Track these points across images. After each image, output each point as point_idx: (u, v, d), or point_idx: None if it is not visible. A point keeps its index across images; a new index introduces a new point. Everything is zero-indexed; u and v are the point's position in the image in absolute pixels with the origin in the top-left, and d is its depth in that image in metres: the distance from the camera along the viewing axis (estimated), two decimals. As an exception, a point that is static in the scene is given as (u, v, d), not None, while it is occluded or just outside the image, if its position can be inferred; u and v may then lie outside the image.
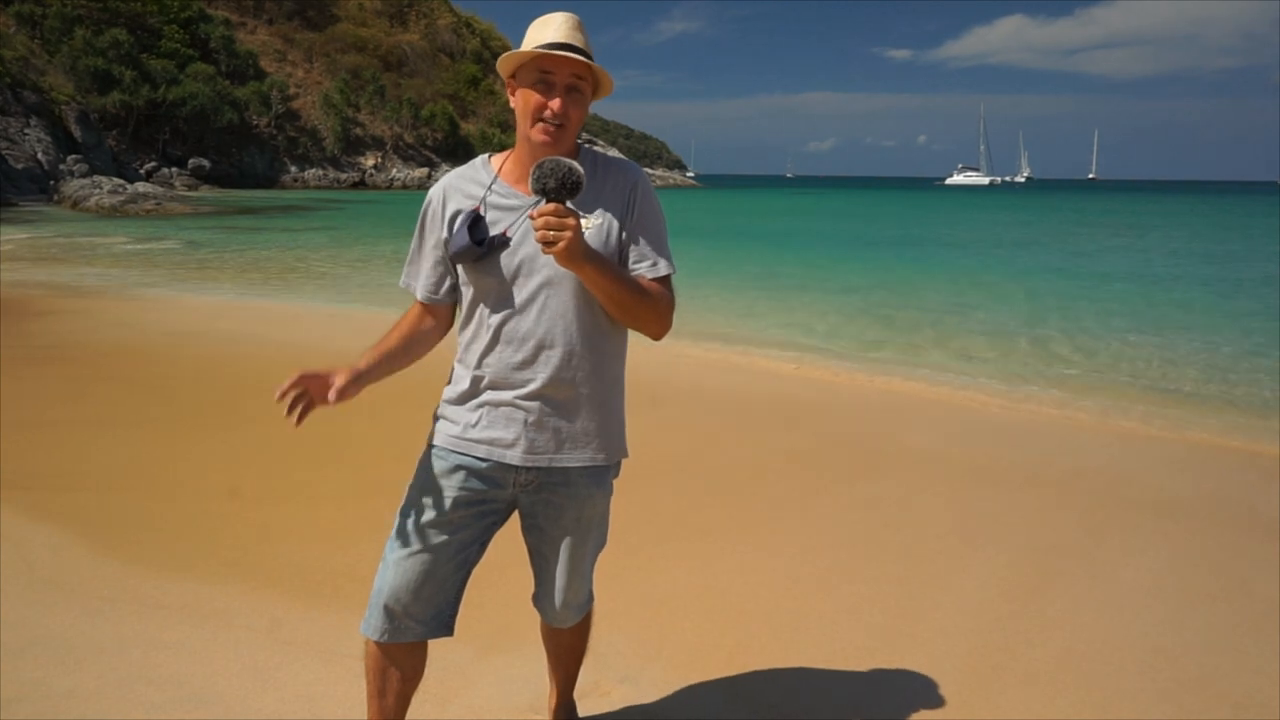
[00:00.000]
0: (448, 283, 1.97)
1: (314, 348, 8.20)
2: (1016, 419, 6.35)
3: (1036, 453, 5.45)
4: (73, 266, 15.06)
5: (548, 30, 1.82)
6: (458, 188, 1.94)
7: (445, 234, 1.92)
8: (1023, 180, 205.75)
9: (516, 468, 1.91)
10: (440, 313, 2.02)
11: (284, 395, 1.76)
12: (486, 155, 2.00)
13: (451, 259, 1.90)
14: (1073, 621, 3.21)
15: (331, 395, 1.80)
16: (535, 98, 1.81)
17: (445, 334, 2.06)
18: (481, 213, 1.87)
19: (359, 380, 1.87)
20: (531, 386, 1.88)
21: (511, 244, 1.85)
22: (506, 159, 1.94)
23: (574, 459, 1.93)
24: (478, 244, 1.82)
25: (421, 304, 2.01)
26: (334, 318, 10.26)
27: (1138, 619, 3.24)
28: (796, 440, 5.63)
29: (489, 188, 1.90)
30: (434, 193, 1.96)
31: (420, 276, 1.99)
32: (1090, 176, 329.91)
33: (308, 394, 1.79)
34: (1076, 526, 4.18)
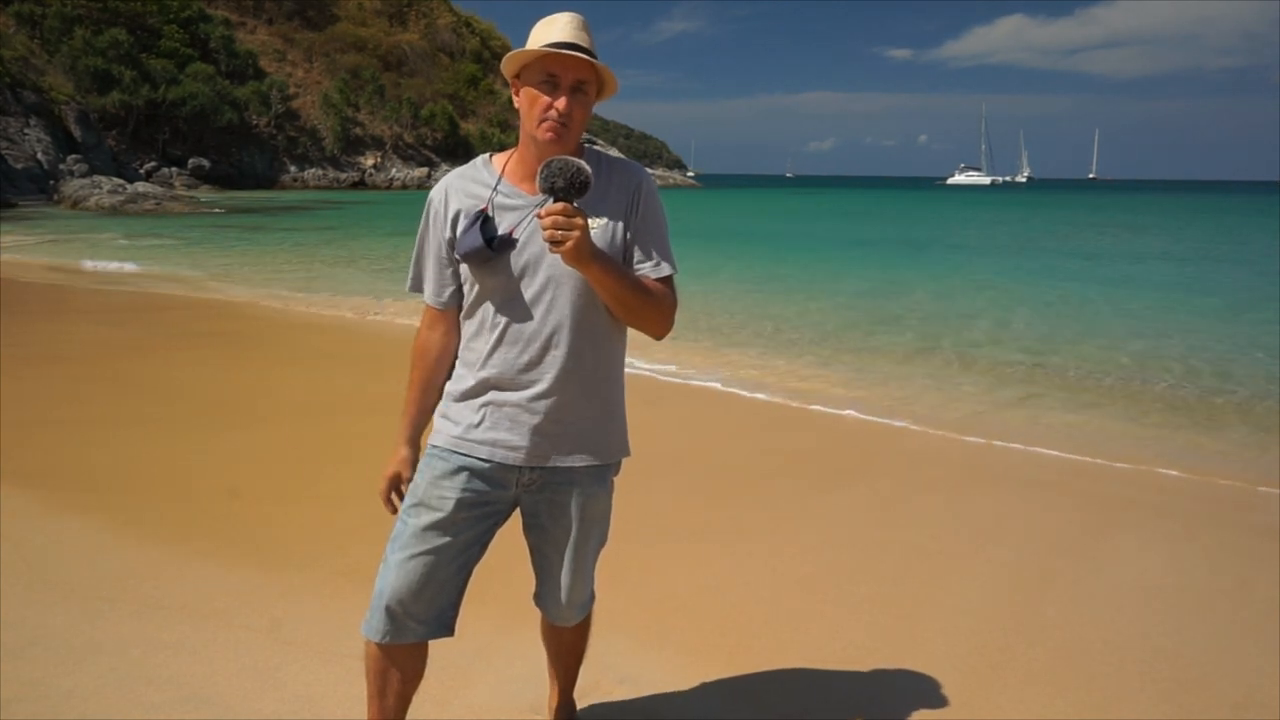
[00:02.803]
0: (453, 285, 1.97)
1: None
2: (1016, 420, 6.34)
3: (1036, 452, 5.44)
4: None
5: (553, 30, 1.81)
6: (459, 188, 1.94)
7: (449, 234, 1.92)
8: (1024, 180, 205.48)
9: (520, 468, 1.91)
10: (450, 318, 2.00)
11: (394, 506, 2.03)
12: (487, 155, 1.99)
13: (461, 259, 1.89)
14: (1073, 621, 3.21)
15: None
16: (540, 97, 1.81)
17: (459, 340, 2.02)
18: (490, 212, 1.87)
19: (418, 450, 2.04)
20: (537, 387, 1.88)
21: (518, 244, 1.85)
22: (509, 159, 1.94)
23: (577, 459, 1.93)
24: (488, 244, 1.83)
25: (430, 310, 2.01)
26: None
27: (1138, 619, 3.24)
28: (796, 440, 5.63)
29: (494, 188, 1.90)
30: (435, 194, 1.96)
31: (427, 281, 1.99)
32: (1090, 176, 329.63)
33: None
34: (1076, 526, 4.18)
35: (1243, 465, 5.32)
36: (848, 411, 6.30)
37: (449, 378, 2.02)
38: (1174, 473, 5.01)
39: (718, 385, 7.03)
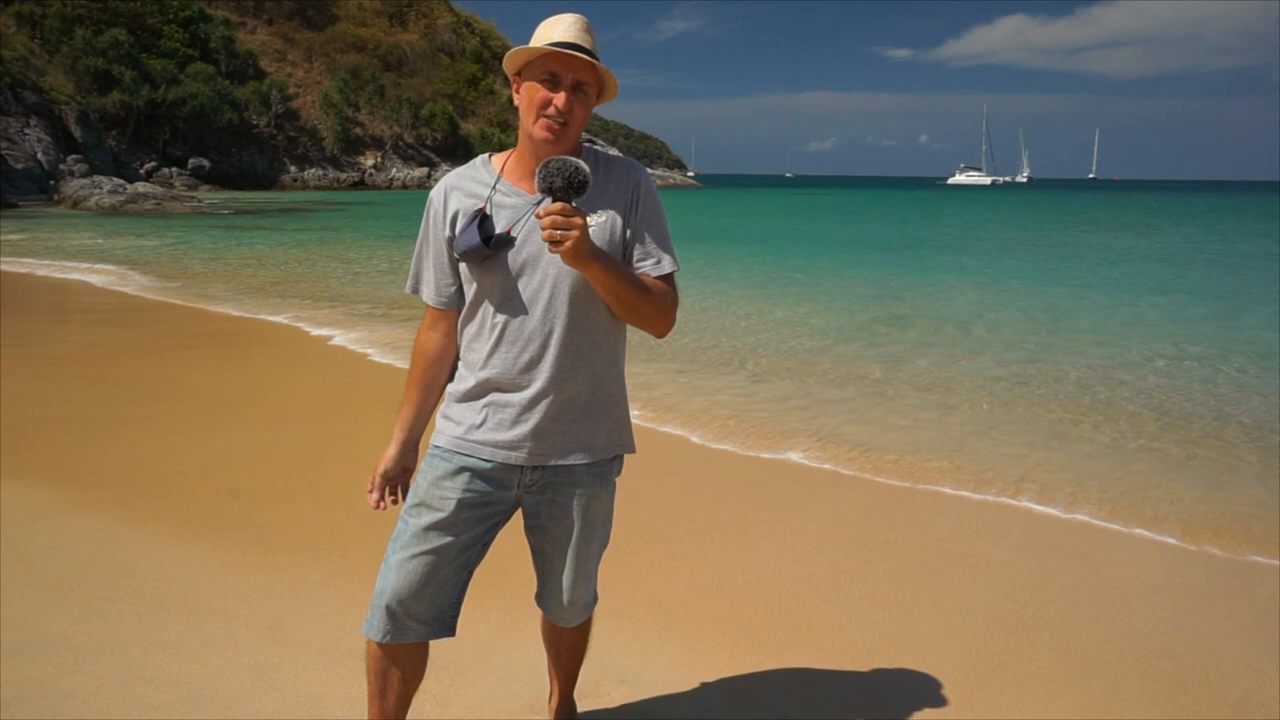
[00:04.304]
0: (454, 284, 1.97)
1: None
2: (1014, 422, 6.34)
3: (1034, 452, 5.44)
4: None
5: (557, 29, 1.82)
6: (458, 188, 1.94)
7: (448, 233, 1.92)
8: (1024, 180, 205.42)
9: (522, 468, 1.92)
10: (451, 318, 2.00)
11: (382, 505, 2.04)
12: (486, 155, 2.00)
13: (459, 258, 1.90)
14: (1073, 621, 3.21)
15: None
16: (540, 93, 1.81)
17: (460, 342, 2.04)
18: (488, 211, 1.87)
19: (413, 449, 2.05)
20: (536, 386, 1.88)
21: (516, 242, 1.85)
22: (508, 158, 1.95)
23: (579, 457, 1.93)
24: (485, 242, 1.83)
25: (431, 311, 2.01)
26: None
27: (1138, 619, 3.24)
28: (796, 440, 5.62)
29: (493, 187, 1.90)
30: (435, 194, 1.96)
31: (428, 281, 1.99)
32: (1091, 176, 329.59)
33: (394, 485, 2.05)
34: (1076, 526, 4.18)
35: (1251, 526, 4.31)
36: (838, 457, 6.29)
37: (450, 379, 2.02)
38: (1171, 540, 4.06)
39: (721, 378, 7.03)
